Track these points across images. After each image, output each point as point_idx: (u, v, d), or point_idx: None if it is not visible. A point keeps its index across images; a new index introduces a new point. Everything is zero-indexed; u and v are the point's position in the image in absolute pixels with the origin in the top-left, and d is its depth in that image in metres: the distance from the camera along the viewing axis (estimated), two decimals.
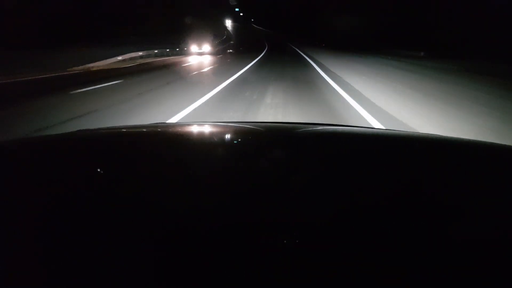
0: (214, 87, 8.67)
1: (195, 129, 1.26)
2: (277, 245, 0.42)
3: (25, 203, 0.53)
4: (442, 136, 1.07)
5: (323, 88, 8.95)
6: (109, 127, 1.37)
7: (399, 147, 0.96)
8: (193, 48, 24.52)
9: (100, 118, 5.47)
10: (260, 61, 19.12)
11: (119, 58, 19.13)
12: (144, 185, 0.61)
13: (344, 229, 0.47)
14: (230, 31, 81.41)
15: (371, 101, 6.88)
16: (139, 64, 17.84)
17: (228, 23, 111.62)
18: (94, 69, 14.97)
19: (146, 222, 0.47)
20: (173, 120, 5.28)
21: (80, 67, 14.86)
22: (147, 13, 30.67)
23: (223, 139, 1.06)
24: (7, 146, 0.86)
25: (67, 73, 13.18)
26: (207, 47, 24.78)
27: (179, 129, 1.25)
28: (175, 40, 22.21)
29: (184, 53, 22.97)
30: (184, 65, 17.39)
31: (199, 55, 23.40)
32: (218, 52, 27.85)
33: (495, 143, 0.91)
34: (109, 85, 9.56)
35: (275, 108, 6.23)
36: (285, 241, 0.43)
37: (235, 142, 1.04)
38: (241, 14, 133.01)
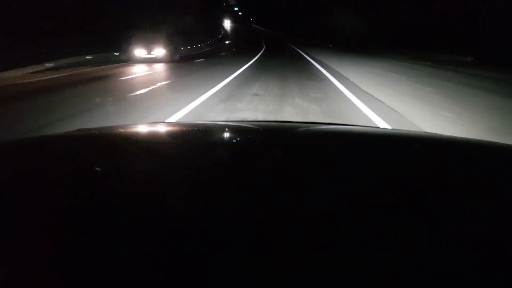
0: None
1: (195, 128, 1.27)
2: (276, 244, 0.42)
3: (24, 202, 0.54)
4: (443, 135, 1.11)
5: None
6: (108, 126, 1.35)
7: (399, 146, 0.97)
8: (138, 52, 15.52)
9: None
10: (250, 71, 12.15)
11: (49, 65, 13.01)
12: (143, 184, 0.62)
13: (344, 229, 0.47)
14: (228, 31, 76.99)
15: None
16: (67, 75, 10.78)
17: (227, 22, 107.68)
18: None
19: (146, 221, 0.47)
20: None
21: None
22: (110, 8, 24.05)
23: (223, 139, 1.08)
24: (7, 146, 0.88)
25: None
26: (160, 50, 15.78)
27: (179, 128, 1.26)
28: (135, 41, 15.63)
29: (129, 58, 15.46)
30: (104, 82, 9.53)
31: (148, 62, 15.12)
32: (186, 57, 19.31)
33: (496, 142, 0.92)
34: None
35: None
36: (284, 241, 0.43)
37: (234, 141, 1.06)
38: (240, 13, 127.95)
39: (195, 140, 1.03)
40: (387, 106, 6.16)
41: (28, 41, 14.94)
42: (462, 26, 22.69)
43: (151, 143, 0.96)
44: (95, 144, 0.93)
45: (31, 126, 4.47)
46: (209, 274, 0.37)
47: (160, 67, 13.74)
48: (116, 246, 0.42)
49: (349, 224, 0.48)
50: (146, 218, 0.48)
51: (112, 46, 17.20)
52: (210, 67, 13.97)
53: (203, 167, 0.72)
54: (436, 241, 0.44)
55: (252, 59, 18.08)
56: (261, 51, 26.67)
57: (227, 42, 45.42)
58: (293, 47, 33.18)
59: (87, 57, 15.60)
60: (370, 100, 6.70)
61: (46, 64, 12.71)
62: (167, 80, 10.22)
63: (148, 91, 7.69)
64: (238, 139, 1.07)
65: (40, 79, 9.83)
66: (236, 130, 1.16)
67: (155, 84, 8.71)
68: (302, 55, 21.89)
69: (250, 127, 1.21)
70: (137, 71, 12.34)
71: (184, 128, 1.23)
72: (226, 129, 1.19)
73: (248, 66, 14.10)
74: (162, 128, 1.26)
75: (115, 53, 17.13)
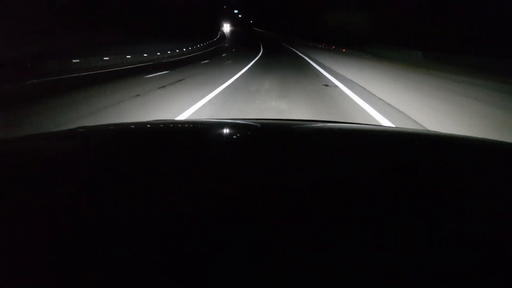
0: None
1: (194, 125, 1.28)
2: (275, 243, 0.42)
3: (25, 200, 0.54)
4: (442, 133, 1.12)
5: None
6: (108, 123, 1.35)
7: (399, 144, 0.96)
8: None
9: None
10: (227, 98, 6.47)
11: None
12: (143, 182, 0.62)
13: (343, 228, 0.46)
14: (225, 34, 71.16)
15: None
16: None
17: (226, 26, 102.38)
18: None
19: (145, 220, 0.47)
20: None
21: None
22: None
23: (222, 136, 1.06)
24: (7, 144, 0.89)
25: None
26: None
27: (178, 126, 1.27)
28: None
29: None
30: None
31: None
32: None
33: (497, 140, 0.92)
34: None
35: None
36: (283, 239, 0.43)
37: (233, 138, 1.04)
38: (240, 16, 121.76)
39: (194, 137, 1.02)
40: None
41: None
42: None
43: (150, 140, 0.95)
44: (94, 141, 0.93)
45: None
46: (209, 274, 0.37)
47: None
48: (115, 245, 0.41)
49: (349, 223, 0.47)
50: (146, 216, 0.48)
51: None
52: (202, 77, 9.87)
53: (202, 164, 0.71)
54: (437, 241, 0.43)
55: (245, 67, 13.99)
56: (259, 55, 22.70)
57: (220, 45, 39.81)
58: (299, 53, 26.42)
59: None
60: None
61: None
62: None
63: None
64: (237, 137, 1.05)
65: None
66: (235, 127, 1.17)
67: None
68: (316, 69, 13.35)
69: (248, 125, 1.20)
70: None
71: (183, 126, 1.26)
72: (225, 127, 1.18)
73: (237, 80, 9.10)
74: (161, 126, 1.24)
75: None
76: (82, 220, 0.47)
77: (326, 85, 8.25)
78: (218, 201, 0.52)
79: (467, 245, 0.42)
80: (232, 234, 0.43)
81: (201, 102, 6.08)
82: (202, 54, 26.99)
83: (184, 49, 29.76)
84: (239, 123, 1.27)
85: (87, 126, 1.14)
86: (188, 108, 5.52)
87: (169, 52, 25.55)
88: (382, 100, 6.24)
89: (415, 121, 4.58)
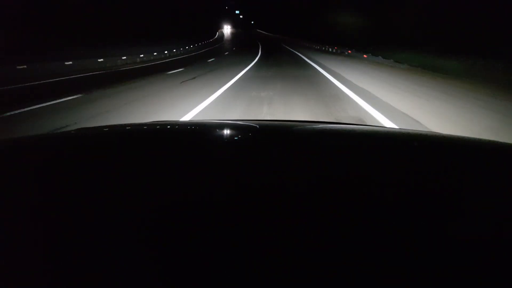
0: None
1: (195, 127, 1.27)
2: (275, 243, 0.42)
3: (24, 201, 0.54)
4: (443, 134, 1.11)
5: None
6: (109, 125, 1.46)
7: (399, 146, 0.95)
8: None
9: None
10: None
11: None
12: (144, 183, 0.62)
13: (343, 229, 0.46)
14: (223, 36, 64.64)
15: None
16: None
17: (227, 28, 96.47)
18: None
19: (146, 220, 0.48)
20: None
21: None
22: None
23: (222, 137, 1.06)
24: (7, 145, 0.89)
25: None
26: None
27: (179, 127, 1.28)
28: None
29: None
30: None
31: None
32: None
33: (497, 141, 0.92)
34: None
35: None
36: (283, 239, 0.43)
37: (233, 140, 1.04)
38: (241, 16, 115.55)
39: (194, 139, 1.02)
40: None
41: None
42: None
43: (151, 142, 0.95)
44: (94, 143, 0.94)
45: None
46: (210, 274, 0.37)
47: None
48: (115, 245, 0.42)
49: (349, 223, 0.47)
50: (146, 217, 0.48)
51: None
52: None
53: (202, 165, 0.71)
54: (437, 241, 0.43)
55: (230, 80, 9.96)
56: (254, 62, 17.14)
57: (215, 47, 33.71)
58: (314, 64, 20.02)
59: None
60: None
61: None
62: None
63: None
64: (238, 138, 1.05)
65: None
66: (236, 129, 1.16)
67: None
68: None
69: (248, 126, 1.18)
70: None
71: (183, 127, 1.27)
72: (226, 128, 1.18)
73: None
74: (162, 127, 1.25)
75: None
76: (83, 221, 0.47)
77: None
78: (218, 202, 0.52)
79: (467, 245, 0.42)
80: (232, 235, 0.43)
81: None
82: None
83: (175, 50, 27.92)
84: (239, 124, 1.27)
85: (88, 128, 1.15)
86: None
87: (155, 53, 23.56)
88: None
89: None
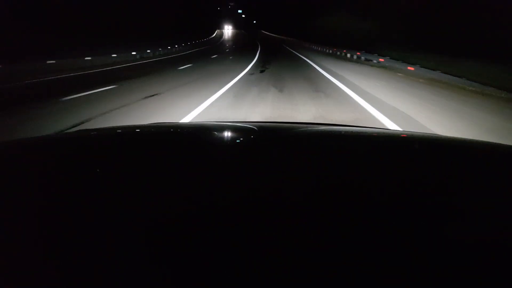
0: None
1: (194, 128, 1.27)
2: (275, 244, 0.42)
3: (25, 203, 0.54)
4: (442, 136, 1.12)
5: None
6: (109, 127, 1.36)
7: (398, 147, 0.95)
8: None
9: None
10: None
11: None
12: (143, 184, 0.62)
13: (343, 230, 0.46)
14: (221, 38, 58.59)
15: None
16: None
17: (227, 28, 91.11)
18: None
19: (146, 221, 0.48)
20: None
21: None
22: None
23: (222, 139, 1.05)
24: (7, 146, 0.88)
25: None
26: None
27: (178, 129, 1.28)
28: None
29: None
30: None
31: None
32: None
33: (496, 143, 0.91)
34: None
35: None
36: (283, 240, 0.43)
37: (234, 142, 1.03)
38: (243, 16, 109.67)
39: (196, 140, 1.01)
40: None
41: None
42: None
43: (151, 144, 0.94)
44: (94, 145, 0.93)
45: None
46: (210, 274, 0.37)
47: None
48: (115, 246, 0.42)
49: (349, 224, 0.47)
50: (146, 218, 0.48)
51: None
52: None
53: (202, 167, 0.71)
54: (437, 242, 0.43)
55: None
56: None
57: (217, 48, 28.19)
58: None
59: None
60: None
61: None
62: None
63: None
64: (238, 139, 1.04)
65: None
66: (236, 131, 1.14)
67: None
68: None
69: (249, 128, 1.17)
70: None
71: (183, 129, 1.26)
72: (226, 130, 1.16)
73: None
74: (161, 129, 1.24)
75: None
76: (83, 222, 0.47)
77: None
78: (218, 204, 0.52)
79: (467, 245, 0.43)
80: (233, 235, 0.43)
81: None
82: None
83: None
84: (240, 126, 1.24)
85: (88, 129, 1.14)
86: None
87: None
88: None
89: None
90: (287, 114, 5.31)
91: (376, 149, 0.90)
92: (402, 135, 1.20)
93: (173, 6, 44.69)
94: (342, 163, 0.75)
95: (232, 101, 6.53)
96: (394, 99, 6.65)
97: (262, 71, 12.08)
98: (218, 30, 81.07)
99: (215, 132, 1.12)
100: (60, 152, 0.83)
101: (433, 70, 10.35)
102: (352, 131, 1.19)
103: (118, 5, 27.52)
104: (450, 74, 9.46)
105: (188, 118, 5.14)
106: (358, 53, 17.11)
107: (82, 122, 4.73)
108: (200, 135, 1.08)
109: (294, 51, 27.25)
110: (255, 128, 1.15)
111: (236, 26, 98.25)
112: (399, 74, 11.49)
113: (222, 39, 58.01)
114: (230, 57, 20.75)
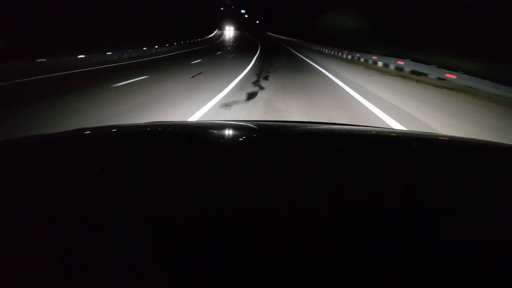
0: None
1: (194, 127, 1.28)
2: (275, 243, 0.42)
3: (24, 201, 0.54)
4: (442, 134, 1.15)
5: None
6: (107, 125, 1.35)
7: (398, 146, 0.95)
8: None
9: None
10: None
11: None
12: (143, 183, 0.62)
13: (343, 229, 0.46)
14: (220, 40, 57.91)
15: None
16: None
17: (229, 29, 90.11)
18: None
19: (145, 221, 0.48)
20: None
21: None
22: None
23: (223, 138, 1.04)
24: (7, 145, 0.88)
25: None
26: None
27: (177, 128, 1.26)
28: None
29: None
30: None
31: None
32: None
33: (496, 142, 0.91)
34: None
35: None
36: (283, 239, 0.43)
37: (234, 140, 1.02)
38: (246, 16, 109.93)
39: (195, 139, 1.00)
40: None
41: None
42: None
43: (149, 142, 0.93)
44: (93, 143, 0.93)
45: None
46: (211, 274, 0.37)
47: None
48: (115, 246, 0.41)
49: (349, 224, 0.47)
50: (146, 217, 0.48)
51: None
52: None
53: (202, 166, 0.70)
54: (437, 242, 0.43)
55: None
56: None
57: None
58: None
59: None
60: None
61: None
62: None
63: None
64: (238, 138, 1.03)
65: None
66: (237, 129, 1.14)
67: None
68: None
69: (249, 126, 1.16)
70: None
71: (183, 127, 1.26)
72: (227, 129, 1.16)
73: None
74: (160, 128, 1.24)
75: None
76: (82, 222, 0.47)
77: None
78: (219, 203, 0.52)
79: (467, 246, 0.42)
80: (233, 235, 0.43)
81: None
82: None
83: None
84: (240, 125, 1.25)
85: (87, 128, 1.14)
86: None
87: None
88: None
89: None
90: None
91: (377, 148, 0.91)
92: (403, 134, 1.19)
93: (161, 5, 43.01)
94: (343, 162, 0.76)
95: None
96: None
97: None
98: (218, 31, 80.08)
99: (215, 131, 1.12)
100: (58, 151, 0.84)
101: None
102: (353, 130, 1.20)
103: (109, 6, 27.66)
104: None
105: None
106: (374, 57, 15.89)
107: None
108: (200, 134, 1.08)
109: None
110: (255, 127, 1.15)
111: (238, 28, 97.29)
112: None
113: (221, 39, 57.52)
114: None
